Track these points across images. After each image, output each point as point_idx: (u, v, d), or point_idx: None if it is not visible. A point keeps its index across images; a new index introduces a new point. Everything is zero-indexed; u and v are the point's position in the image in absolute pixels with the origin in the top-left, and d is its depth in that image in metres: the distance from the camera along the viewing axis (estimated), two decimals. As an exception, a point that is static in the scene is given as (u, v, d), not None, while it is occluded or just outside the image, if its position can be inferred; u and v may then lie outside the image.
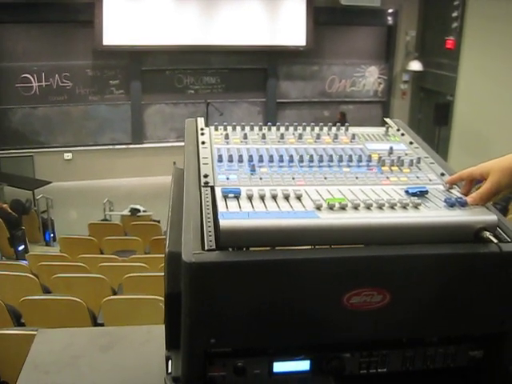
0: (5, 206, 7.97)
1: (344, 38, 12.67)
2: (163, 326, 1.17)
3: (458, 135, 10.92)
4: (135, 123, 11.93)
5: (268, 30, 11.87)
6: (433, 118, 11.34)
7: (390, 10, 12.51)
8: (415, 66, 12.43)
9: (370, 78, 13.02)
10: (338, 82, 12.88)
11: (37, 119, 11.37)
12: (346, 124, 1.47)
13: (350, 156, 1.28)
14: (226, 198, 1.06)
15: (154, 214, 8.74)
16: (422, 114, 12.55)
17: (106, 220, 9.00)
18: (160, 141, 12.08)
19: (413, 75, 12.79)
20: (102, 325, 3.88)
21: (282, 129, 1.42)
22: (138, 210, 8.79)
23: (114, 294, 4.47)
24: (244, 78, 12.28)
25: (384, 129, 1.48)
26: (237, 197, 1.06)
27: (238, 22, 11.59)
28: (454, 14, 10.74)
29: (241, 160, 1.23)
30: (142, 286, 4.21)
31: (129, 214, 8.79)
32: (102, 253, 6.57)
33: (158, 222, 8.13)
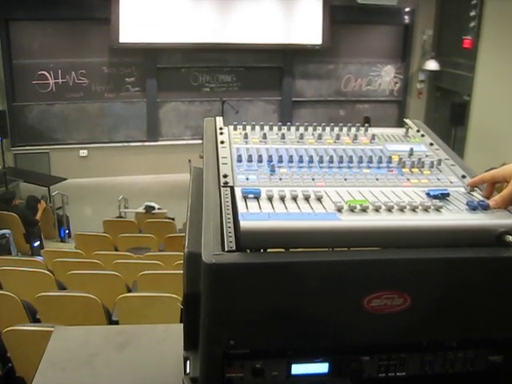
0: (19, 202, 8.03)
1: (360, 36, 12.62)
2: (180, 325, 1.17)
3: (474, 135, 10.85)
4: (150, 121, 11.98)
5: (284, 29, 11.85)
6: (449, 118, 11.26)
7: (407, 9, 12.44)
8: (432, 65, 12.35)
9: (386, 77, 12.95)
10: (354, 81, 12.83)
11: (53, 116, 11.46)
12: (366, 124, 1.46)
13: (370, 157, 1.27)
14: (245, 198, 1.04)
15: (169, 212, 8.77)
16: (438, 114, 12.47)
17: (121, 217, 9.04)
18: (175, 138, 12.11)
19: (429, 75, 12.72)
20: (116, 322, 3.90)
21: (302, 129, 1.40)
22: (153, 208, 8.82)
23: (129, 291, 4.49)
24: (259, 76, 12.28)
25: (404, 130, 1.46)
26: (257, 197, 1.05)
27: (253, 20, 11.59)
28: (472, 13, 10.66)
29: (260, 160, 1.21)
30: (157, 284, 4.22)
31: (143, 211, 8.82)
32: (116, 250, 6.61)
33: (173, 219, 8.16)
